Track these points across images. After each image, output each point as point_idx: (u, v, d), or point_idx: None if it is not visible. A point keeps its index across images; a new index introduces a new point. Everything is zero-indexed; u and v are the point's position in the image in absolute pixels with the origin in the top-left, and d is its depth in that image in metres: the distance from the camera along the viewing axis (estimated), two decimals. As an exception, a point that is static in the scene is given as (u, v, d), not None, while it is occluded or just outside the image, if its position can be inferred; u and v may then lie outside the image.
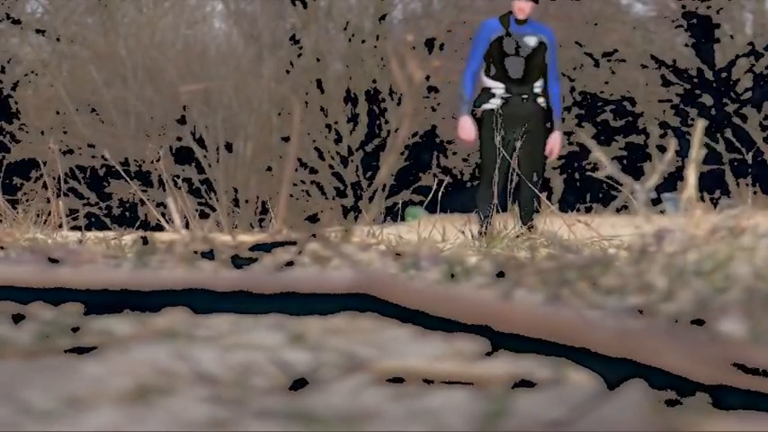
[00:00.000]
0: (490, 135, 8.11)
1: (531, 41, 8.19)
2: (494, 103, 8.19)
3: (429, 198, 4.70)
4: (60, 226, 4.42)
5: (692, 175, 2.42)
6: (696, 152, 2.44)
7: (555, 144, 8.23)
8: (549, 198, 7.48)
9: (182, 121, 24.01)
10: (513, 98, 8.17)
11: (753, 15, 26.77)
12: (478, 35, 8.33)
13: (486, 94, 8.23)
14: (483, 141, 8.22)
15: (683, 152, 2.69)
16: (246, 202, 24.07)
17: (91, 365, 1.21)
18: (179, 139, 24.18)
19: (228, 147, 24.51)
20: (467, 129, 8.22)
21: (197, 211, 4.04)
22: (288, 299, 1.06)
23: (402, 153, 24.04)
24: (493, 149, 8.03)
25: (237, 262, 2.39)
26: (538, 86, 8.21)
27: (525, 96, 8.17)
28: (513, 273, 1.92)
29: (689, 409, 0.93)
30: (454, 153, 26.06)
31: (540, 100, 8.22)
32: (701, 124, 2.48)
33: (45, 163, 5.16)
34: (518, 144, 8.07)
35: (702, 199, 2.62)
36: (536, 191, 7.79)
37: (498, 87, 8.18)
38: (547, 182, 9.39)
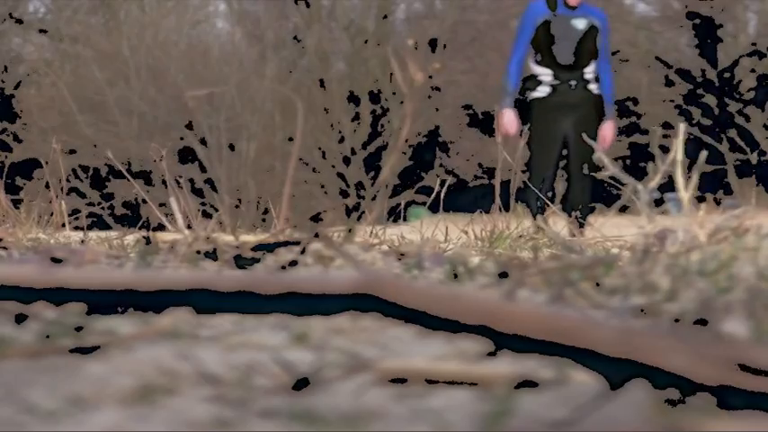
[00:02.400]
0: (539, 126, 7.54)
1: (581, 24, 7.62)
2: (542, 91, 7.65)
3: (432, 198, 4.69)
4: (63, 226, 4.42)
5: (679, 176, 2.42)
6: (679, 154, 2.44)
7: (608, 133, 7.68)
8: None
9: (185, 121, 24.02)
10: (561, 85, 7.61)
11: (756, 15, 26.77)
12: (524, 20, 7.73)
13: (534, 81, 7.69)
14: (532, 133, 7.45)
15: (685, 152, 2.69)
16: (249, 201, 24.07)
17: (94, 365, 1.21)
18: (182, 138, 24.20)
19: (231, 146, 24.52)
20: (508, 122, 7.64)
21: (200, 210, 4.03)
22: (291, 299, 1.06)
23: (405, 153, 24.04)
24: (542, 142, 7.48)
25: (240, 262, 2.40)
26: (589, 72, 7.65)
27: (574, 83, 7.60)
28: (517, 273, 1.92)
29: (692, 410, 0.93)
30: (457, 153, 26.06)
31: (592, 87, 7.66)
32: (682, 128, 2.48)
33: (47, 163, 5.15)
34: (569, 134, 7.53)
35: (704, 199, 2.62)
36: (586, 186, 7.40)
37: (546, 74, 7.64)
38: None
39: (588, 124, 7.50)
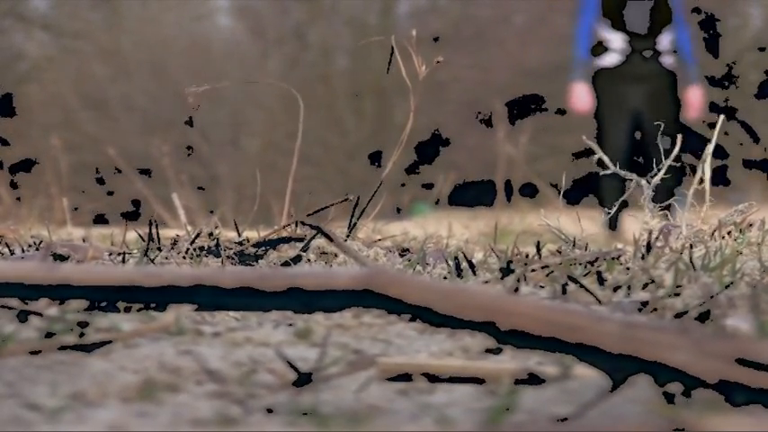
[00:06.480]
0: (607, 100, 6.78)
1: None
2: (610, 60, 6.80)
3: (435, 193, 4.69)
4: (65, 222, 4.42)
5: (707, 170, 2.42)
6: (711, 145, 2.44)
7: (696, 99, 6.80)
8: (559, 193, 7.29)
9: (186, 117, 24.01)
10: (633, 55, 6.75)
11: (760, 10, 26.72)
12: None
13: (601, 48, 6.82)
14: (598, 108, 6.83)
15: (689, 147, 2.68)
16: (252, 197, 24.05)
17: (97, 362, 1.21)
18: (184, 135, 24.18)
19: (234, 142, 24.52)
20: (579, 97, 6.84)
21: (202, 206, 4.03)
22: (293, 295, 1.06)
23: (408, 148, 24.00)
24: (611, 118, 6.72)
25: (243, 258, 2.39)
26: (665, 41, 6.79)
27: (648, 53, 6.76)
28: (520, 268, 1.92)
29: (695, 405, 0.93)
30: (460, 148, 26.03)
31: (666, 59, 6.80)
32: (721, 119, 2.48)
33: (49, 160, 5.16)
34: (643, 114, 6.69)
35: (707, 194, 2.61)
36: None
37: (615, 41, 6.77)
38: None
39: (663, 101, 6.75)
